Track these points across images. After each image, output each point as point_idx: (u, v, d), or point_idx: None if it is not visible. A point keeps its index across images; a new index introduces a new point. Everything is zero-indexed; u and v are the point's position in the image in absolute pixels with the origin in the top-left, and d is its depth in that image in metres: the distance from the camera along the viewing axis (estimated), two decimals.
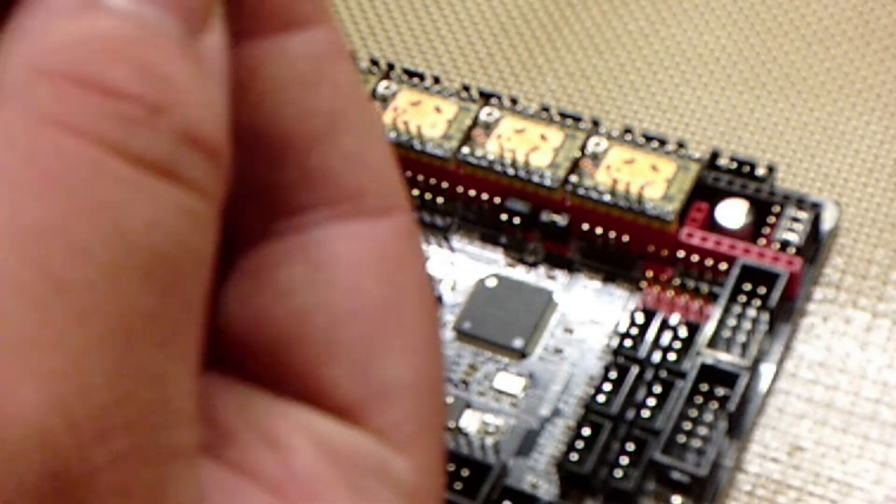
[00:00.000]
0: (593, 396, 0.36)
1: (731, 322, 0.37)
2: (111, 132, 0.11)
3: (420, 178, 0.42)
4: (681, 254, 0.38)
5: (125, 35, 0.11)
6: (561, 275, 0.41)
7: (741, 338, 0.37)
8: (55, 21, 0.11)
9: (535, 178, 0.40)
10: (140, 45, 0.11)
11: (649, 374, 0.36)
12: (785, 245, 0.38)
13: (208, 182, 0.12)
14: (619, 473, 0.35)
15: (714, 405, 0.36)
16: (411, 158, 0.41)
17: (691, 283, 0.39)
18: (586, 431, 0.35)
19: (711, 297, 0.38)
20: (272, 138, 0.14)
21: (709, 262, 0.38)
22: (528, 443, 0.37)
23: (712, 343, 0.36)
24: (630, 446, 0.35)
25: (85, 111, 0.11)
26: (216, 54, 0.12)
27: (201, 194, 0.12)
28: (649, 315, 0.38)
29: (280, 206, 0.14)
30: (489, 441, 0.37)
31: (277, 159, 0.14)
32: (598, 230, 0.39)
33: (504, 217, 0.41)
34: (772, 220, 0.39)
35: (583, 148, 0.40)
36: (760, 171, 0.40)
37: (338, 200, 0.14)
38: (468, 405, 0.38)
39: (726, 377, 0.36)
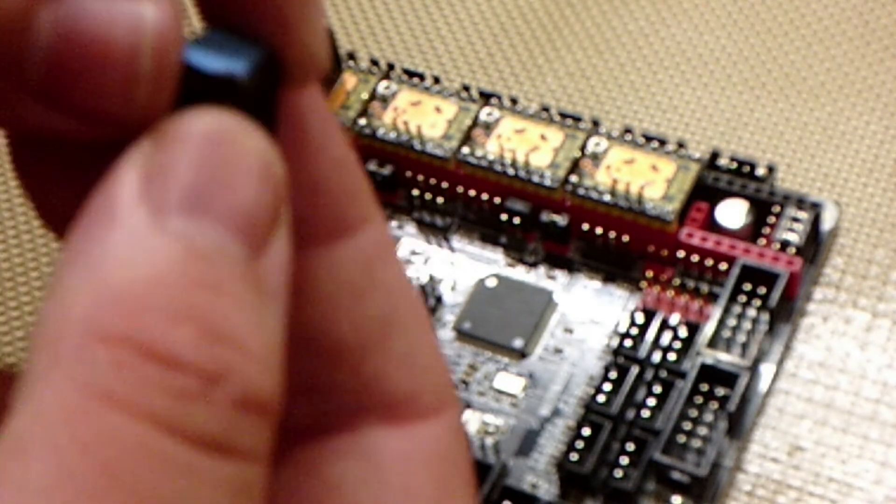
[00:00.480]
0: (593, 396, 0.36)
1: (731, 322, 0.37)
2: (168, 410, 0.11)
3: (420, 178, 0.42)
4: (681, 254, 0.38)
5: (186, 275, 0.11)
6: (561, 275, 0.41)
7: (741, 338, 0.37)
8: (117, 259, 0.11)
9: (535, 178, 0.40)
10: (199, 290, 0.11)
11: (649, 374, 0.36)
12: (785, 245, 0.38)
13: (262, 444, 0.12)
14: (619, 473, 0.35)
15: (714, 405, 0.36)
16: (411, 158, 0.41)
17: (691, 283, 0.39)
18: (586, 431, 0.35)
19: (711, 297, 0.38)
20: (325, 345, 0.14)
21: (709, 262, 0.38)
22: (528, 443, 0.37)
23: (712, 343, 0.36)
24: (630, 446, 0.35)
25: (142, 385, 0.11)
26: (279, 270, 0.12)
27: (255, 460, 0.11)
28: (649, 315, 0.38)
29: (334, 407, 0.14)
30: (489, 441, 0.37)
31: (331, 365, 0.14)
32: (598, 230, 0.39)
33: (504, 217, 0.41)
34: (772, 220, 0.39)
35: (583, 148, 0.40)
36: (760, 171, 0.40)
37: (392, 405, 0.14)
38: (468, 405, 0.38)
39: (726, 377, 0.36)
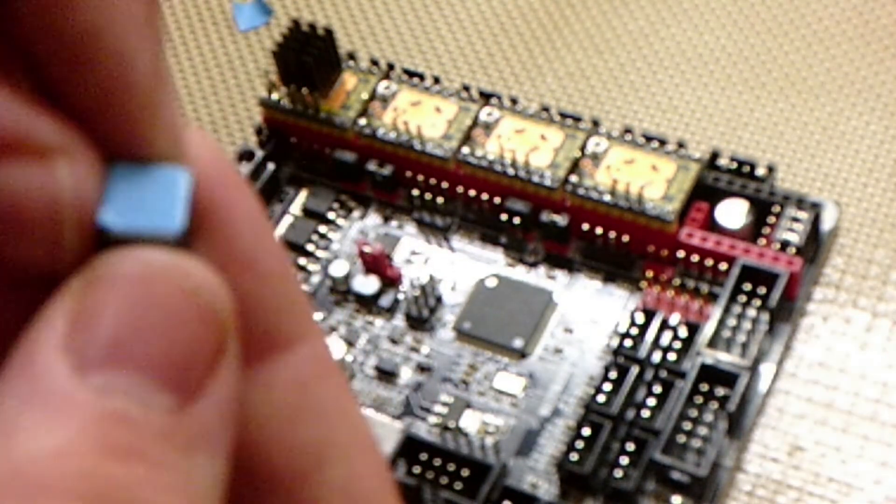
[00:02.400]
0: (593, 396, 0.36)
1: (731, 322, 0.37)
2: None
3: (420, 178, 0.42)
4: (681, 254, 0.38)
5: (98, 442, 0.10)
6: (561, 275, 0.41)
7: (741, 338, 0.37)
8: (29, 423, 0.10)
9: (535, 178, 0.40)
10: (109, 460, 0.10)
11: (649, 374, 0.36)
12: (785, 245, 0.38)
13: None
14: (619, 473, 0.35)
15: (714, 405, 0.36)
16: (411, 158, 0.41)
17: (691, 283, 0.39)
18: (586, 431, 0.35)
19: (711, 297, 0.38)
20: (257, 472, 0.13)
21: (709, 262, 0.38)
22: (528, 443, 0.37)
23: (712, 343, 0.36)
24: (630, 446, 0.35)
25: None
26: (221, 408, 0.11)
27: None
28: (649, 315, 0.38)
29: None
30: (489, 441, 0.37)
31: (263, 494, 0.13)
32: (598, 230, 0.39)
33: (504, 217, 0.41)
34: (772, 220, 0.39)
35: (583, 148, 0.40)
36: (760, 171, 0.40)
37: None
38: (468, 405, 0.38)
39: (726, 377, 0.36)
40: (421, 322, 0.40)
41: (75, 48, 0.11)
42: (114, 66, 0.11)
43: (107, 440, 0.10)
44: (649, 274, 0.39)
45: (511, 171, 0.40)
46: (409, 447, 0.36)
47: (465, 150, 0.41)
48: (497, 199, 0.41)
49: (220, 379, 0.11)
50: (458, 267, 0.41)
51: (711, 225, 0.39)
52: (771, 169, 0.40)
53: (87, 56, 0.11)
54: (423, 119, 0.41)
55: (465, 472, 0.35)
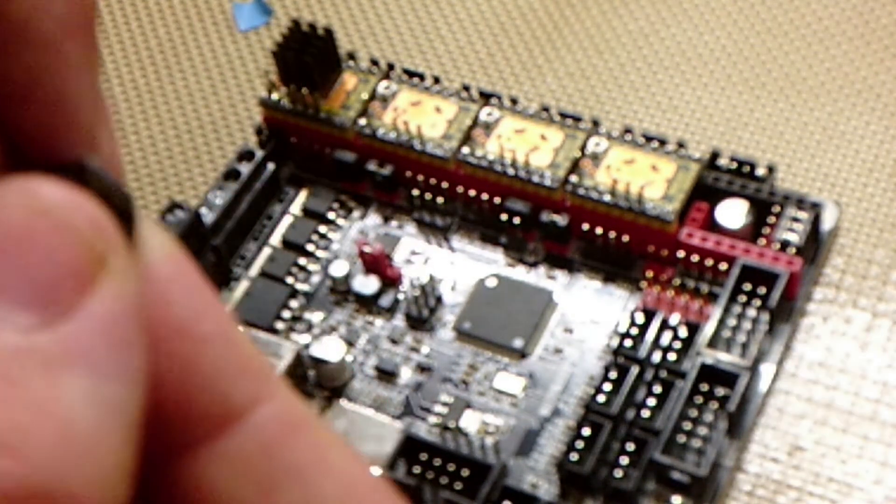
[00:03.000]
0: (593, 396, 0.36)
1: (731, 322, 0.37)
2: None
3: (420, 178, 0.42)
4: (681, 254, 0.38)
5: None
6: (561, 275, 0.41)
7: (741, 338, 0.37)
8: None
9: (535, 178, 0.40)
10: None
11: (649, 374, 0.36)
12: (785, 245, 0.38)
13: None
14: (619, 473, 0.35)
15: (714, 405, 0.36)
16: (411, 158, 0.41)
17: (691, 283, 0.39)
18: (586, 431, 0.35)
19: (711, 297, 0.38)
20: None
21: (709, 262, 0.38)
22: (528, 443, 0.37)
23: (712, 343, 0.36)
24: (630, 446, 0.35)
25: None
26: (105, 322, 0.11)
27: None
28: (649, 315, 0.37)
29: None
30: (489, 441, 0.37)
31: None
32: (598, 230, 0.39)
33: (504, 217, 0.41)
34: (772, 220, 0.39)
35: (583, 148, 0.40)
36: (760, 171, 0.40)
37: None
38: (468, 405, 0.38)
39: (726, 377, 0.36)
40: (421, 322, 0.40)
41: (16, 89, 0.11)
42: (55, 105, 0.12)
43: None
44: (649, 274, 0.39)
45: (511, 171, 0.40)
46: (409, 447, 0.36)
47: (465, 150, 0.41)
48: (497, 199, 0.41)
49: (97, 296, 0.11)
50: (458, 267, 0.41)
51: (711, 225, 0.39)
52: (771, 169, 0.40)
53: (29, 95, 0.12)
54: (423, 119, 0.41)
55: (465, 472, 0.35)
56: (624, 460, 0.35)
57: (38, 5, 0.11)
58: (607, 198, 0.39)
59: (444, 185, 0.42)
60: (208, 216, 0.41)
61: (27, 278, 0.10)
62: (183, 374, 0.12)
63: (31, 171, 0.11)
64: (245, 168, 0.43)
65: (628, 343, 0.37)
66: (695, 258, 0.38)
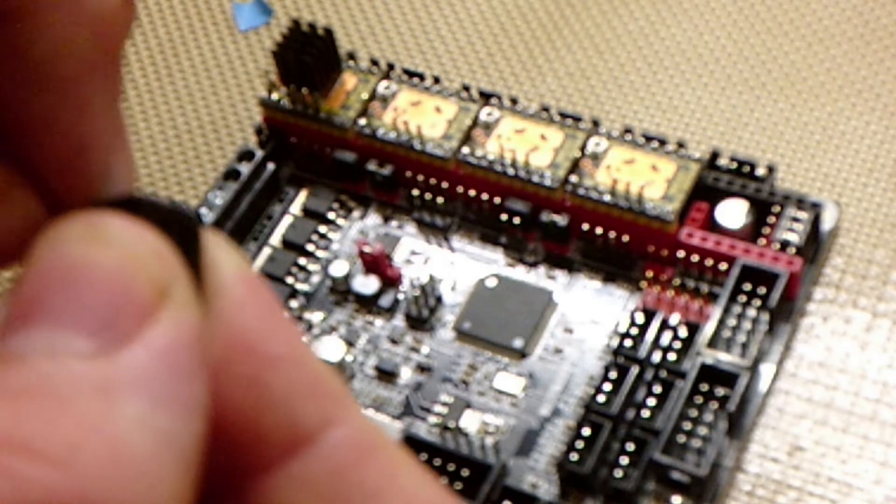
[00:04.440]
0: (593, 396, 0.36)
1: (731, 322, 0.37)
2: None
3: (420, 178, 0.42)
4: (681, 254, 0.38)
5: None
6: (561, 275, 0.41)
7: (741, 338, 0.37)
8: None
9: (535, 178, 0.40)
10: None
11: (649, 374, 0.36)
12: (785, 245, 0.38)
13: None
14: (619, 473, 0.35)
15: (714, 405, 0.36)
16: (411, 158, 0.41)
17: (691, 283, 0.39)
18: (586, 431, 0.35)
19: (711, 297, 0.38)
20: None
21: (709, 262, 0.38)
22: (528, 443, 0.37)
23: (712, 343, 0.36)
24: (630, 446, 0.35)
25: None
26: (159, 356, 0.11)
27: None
28: (649, 315, 0.37)
29: None
30: (489, 441, 0.37)
31: None
32: (598, 230, 0.39)
33: (504, 217, 0.41)
34: (772, 220, 0.39)
35: (583, 148, 0.40)
36: (760, 171, 0.40)
37: None
38: (468, 405, 0.38)
39: (726, 377, 0.36)
40: (421, 322, 0.40)
41: (35, 128, 0.12)
42: (72, 143, 0.12)
43: (9, 382, 0.10)
44: (649, 274, 0.39)
45: (511, 171, 0.40)
46: (409, 447, 0.36)
47: (465, 150, 0.41)
48: (497, 199, 0.41)
49: (158, 325, 0.11)
50: (458, 267, 0.41)
51: (711, 225, 0.39)
52: (771, 169, 0.40)
53: (46, 135, 0.12)
54: (423, 119, 0.41)
55: (465, 472, 0.35)
56: (624, 460, 0.35)
57: (61, 46, 0.11)
58: (607, 198, 0.39)
59: (444, 185, 0.42)
60: (208, 216, 0.41)
61: (90, 308, 0.11)
62: (253, 396, 0.12)
63: (86, 206, 0.11)
64: (245, 168, 0.43)
65: (628, 343, 0.37)
66: (695, 258, 0.38)
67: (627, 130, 0.40)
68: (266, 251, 0.42)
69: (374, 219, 0.43)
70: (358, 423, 0.12)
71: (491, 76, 0.47)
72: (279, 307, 0.12)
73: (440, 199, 0.42)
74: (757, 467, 0.36)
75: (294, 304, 0.41)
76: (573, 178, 0.39)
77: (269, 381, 0.12)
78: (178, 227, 0.11)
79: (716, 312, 0.37)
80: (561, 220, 0.40)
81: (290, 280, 0.42)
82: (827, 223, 0.40)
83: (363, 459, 0.12)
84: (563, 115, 0.41)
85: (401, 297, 0.41)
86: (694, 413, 0.36)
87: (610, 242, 0.40)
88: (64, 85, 0.12)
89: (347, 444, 0.12)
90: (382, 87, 0.42)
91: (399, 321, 0.40)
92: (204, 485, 0.11)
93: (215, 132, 0.47)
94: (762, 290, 0.37)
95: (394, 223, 0.43)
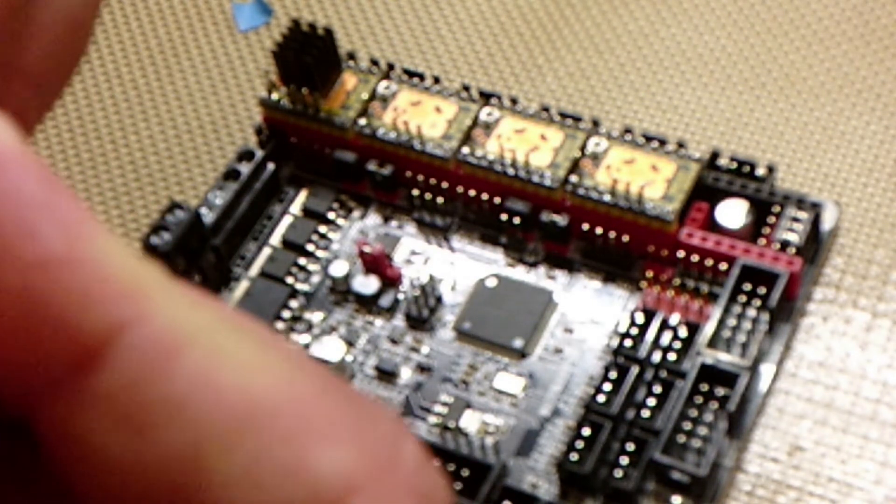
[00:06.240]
0: (593, 396, 0.36)
1: (731, 322, 0.37)
2: None
3: (420, 178, 0.42)
4: (681, 254, 0.38)
5: None
6: (561, 275, 0.41)
7: (741, 338, 0.37)
8: None
9: (535, 178, 0.40)
10: None
11: (649, 374, 0.36)
12: (785, 245, 0.38)
13: None
14: (619, 473, 0.35)
15: (714, 405, 0.36)
16: (411, 158, 0.41)
17: (691, 283, 0.39)
18: (586, 431, 0.35)
19: (711, 297, 0.38)
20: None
21: (709, 262, 0.38)
22: (528, 443, 0.37)
23: (712, 343, 0.36)
24: (630, 446, 0.35)
25: None
26: None
27: None
28: (649, 315, 0.38)
29: None
30: (489, 441, 0.37)
31: None
32: (598, 230, 0.39)
33: (504, 217, 0.41)
34: (772, 220, 0.39)
35: (583, 148, 0.40)
36: (760, 171, 0.40)
37: None
38: (468, 405, 0.38)
39: (726, 377, 0.36)
40: (421, 322, 0.40)
41: None
42: None
43: None
44: (649, 274, 0.39)
45: (511, 171, 0.40)
46: None
47: (465, 150, 0.41)
48: (497, 199, 0.41)
49: None
50: (458, 267, 0.41)
51: (711, 225, 0.39)
52: (771, 169, 0.40)
53: None
54: (423, 119, 0.41)
55: (465, 472, 0.35)
56: (624, 460, 0.35)
57: None
58: (607, 198, 0.39)
59: (444, 185, 0.42)
60: (208, 216, 0.41)
61: None
62: (17, 307, 0.10)
63: None
64: (245, 168, 0.43)
65: (628, 343, 0.37)
66: (695, 258, 0.38)
67: (627, 130, 0.40)
68: (266, 251, 0.42)
69: (374, 219, 0.43)
70: (163, 319, 0.10)
71: (491, 76, 0.47)
72: (53, 192, 0.10)
73: (440, 199, 0.42)
74: (757, 467, 0.36)
75: (294, 304, 0.41)
76: (573, 178, 0.39)
77: (36, 287, 0.10)
78: None
79: (716, 312, 0.37)
80: (561, 220, 0.40)
81: (290, 280, 0.42)
82: (827, 223, 0.40)
83: (169, 360, 0.10)
84: (563, 115, 0.41)
85: (401, 297, 0.41)
86: (694, 413, 0.36)
87: (610, 242, 0.40)
88: None
89: (147, 346, 0.10)
90: (382, 87, 0.42)
91: (399, 321, 0.40)
92: None
93: (215, 132, 0.47)
94: (762, 290, 0.37)
95: (394, 223, 0.43)
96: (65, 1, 0.12)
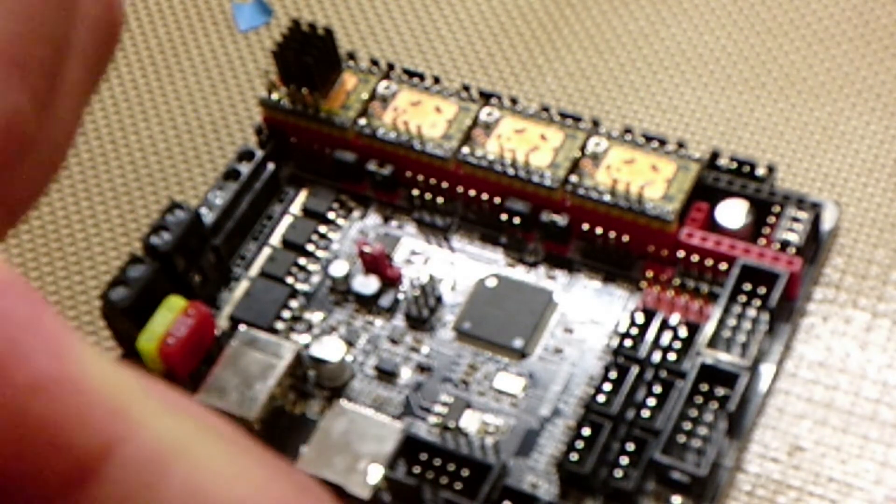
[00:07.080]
0: (593, 396, 0.36)
1: (731, 322, 0.37)
2: None
3: (420, 178, 0.42)
4: (681, 254, 0.38)
5: None
6: (561, 275, 0.41)
7: (741, 338, 0.37)
8: None
9: (535, 178, 0.40)
10: None
11: (649, 374, 0.36)
12: (785, 245, 0.38)
13: None
14: (619, 473, 0.35)
15: (714, 405, 0.36)
16: (411, 158, 0.41)
17: (691, 283, 0.39)
18: (586, 431, 0.35)
19: (711, 297, 0.38)
20: None
21: (709, 262, 0.38)
22: (528, 443, 0.37)
23: (712, 343, 0.36)
24: (630, 446, 0.35)
25: None
26: None
27: None
28: (649, 315, 0.38)
29: None
30: (489, 441, 0.37)
31: None
32: (598, 230, 0.39)
33: (504, 217, 0.41)
34: (772, 220, 0.39)
35: (583, 148, 0.40)
36: (760, 171, 0.40)
37: None
38: (468, 405, 0.38)
39: (726, 377, 0.36)
40: (421, 322, 0.40)
41: None
42: None
43: None
44: (649, 274, 0.39)
45: (511, 171, 0.40)
46: (409, 447, 0.36)
47: (465, 150, 0.41)
48: (497, 199, 0.41)
49: None
50: (458, 267, 0.41)
51: (711, 225, 0.39)
52: (771, 169, 0.40)
53: None
54: (423, 119, 0.41)
55: (465, 472, 0.35)
56: (624, 460, 0.35)
57: None
58: (607, 198, 0.39)
59: (444, 185, 0.42)
60: (208, 216, 0.41)
61: None
62: (9, 429, 0.10)
63: None
64: (245, 168, 0.43)
65: (628, 343, 0.37)
66: (695, 258, 0.38)
67: (627, 130, 0.40)
68: (266, 251, 0.42)
69: (374, 219, 0.43)
70: (149, 435, 0.10)
71: (491, 76, 0.47)
72: (40, 314, 0.10)
73: (440, 199, 0.42)
74: (757, 467, 0.36)
75: (294, 304, 0.41)
76: (573, 178, 0.39)
77: (28, 410, 0.10)
78: None
79: (716, 312, 0.37)
80: (561, 220, 0.40)
81: (290, 280, 0.42)
82: (827, 223, 0.40)
83: (158, 474, 0.10)
84: (563, 115, 0.41)
85: (401, 297, 0.41)
86: (694, 413, 0.36)
87: (610, 242, 0.40)
88: None
89: (137, 461, 0.10)
90: (382, 87, 0.42)
91: (399, 321, 0.40)
92: None
93: (215, 132, 0.47)
94: (762, 290, 0.37)
95: (394, 223, 0.43)
96: (48, 153, 0.13)
